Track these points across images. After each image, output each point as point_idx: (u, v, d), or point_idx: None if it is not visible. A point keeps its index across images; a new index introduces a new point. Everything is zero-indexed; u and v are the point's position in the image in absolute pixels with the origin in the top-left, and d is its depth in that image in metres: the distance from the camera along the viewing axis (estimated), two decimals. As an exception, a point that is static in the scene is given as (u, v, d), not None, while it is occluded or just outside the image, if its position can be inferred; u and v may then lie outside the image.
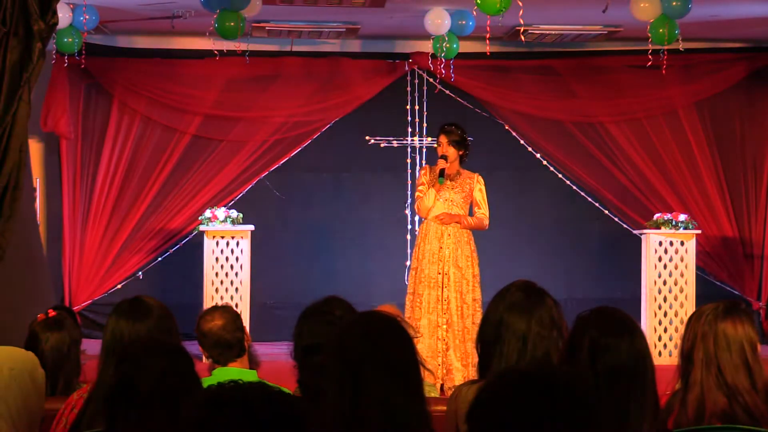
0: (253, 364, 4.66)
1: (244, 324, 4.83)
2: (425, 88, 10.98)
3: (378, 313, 2.85)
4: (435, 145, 8.02)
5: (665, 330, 9.65)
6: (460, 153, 7.92)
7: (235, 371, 4.42)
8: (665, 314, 9.66)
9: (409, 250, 10.54)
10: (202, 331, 4.57)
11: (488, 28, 8.49)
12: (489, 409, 1.84)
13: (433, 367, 7.59)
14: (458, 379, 7.54)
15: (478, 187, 7.96)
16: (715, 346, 3.25)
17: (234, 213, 9.52)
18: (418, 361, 2.73)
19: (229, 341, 4.52)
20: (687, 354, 3.30)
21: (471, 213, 7.96)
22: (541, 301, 3.32)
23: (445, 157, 7.86)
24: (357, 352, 2.64)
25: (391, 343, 2.69)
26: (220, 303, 8.35)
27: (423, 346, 7.57)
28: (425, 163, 10.48)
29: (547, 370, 1.87)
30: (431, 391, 5.11)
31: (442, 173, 7.85)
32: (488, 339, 3.31)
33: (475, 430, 1.88)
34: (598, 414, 1.81)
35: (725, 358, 3.23)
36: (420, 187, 7.98)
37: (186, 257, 10.43)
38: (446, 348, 7.71)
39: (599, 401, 1.83)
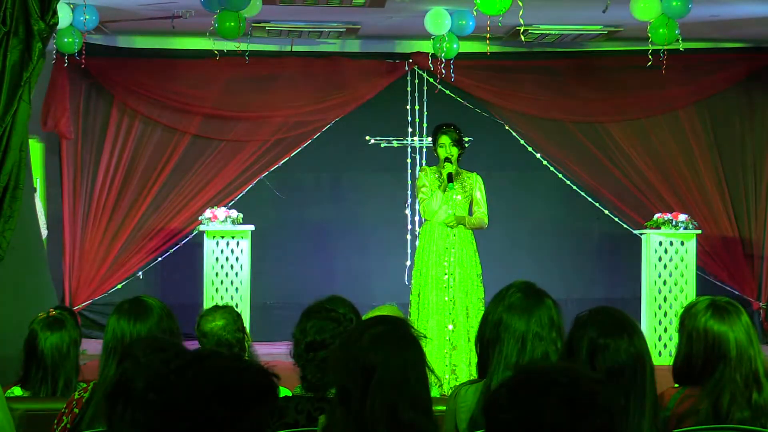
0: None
1: (244, 324, 4.83)
2: (425, 88, 10.97)
3: (385, 317, 2.78)
4: (439, 147, 7.80)
5: (665, 330, 9.64)
6: (460, 152, 7.87)
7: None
8: (665, 314, 9.65)
9: (409, 250, 10.54)
10: (203, 331, 4.57)
11: (488, 28, 8.49)
12: (508, 406, 1.81)
13: (441, 369, 7.57)
14: (463, 379, 7.52)
15: (477, 186, 7.91)
16: (736, 343, 3.32)
17: (234, 213, 9.51)
18: (426, 372, 2.65)
19: (229, 341, 4.52)
20: (707, 353, 3.34)
21: (470, 212, 7.92)
22: (540, 301, 3.32)
23: (449, 159, 7.74)
24: (366, 360, 2.55)
25: (401, 351, 2.60)
26: (220, 303, 8.34)
27: (431, 348, 7.56)
28: (425, 164, 10.48)
29: (571, 372, 1.84)
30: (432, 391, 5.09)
31: (450, 177, 7.70)
32: (487, 339, 3.31)
33: (492, 425, 1.85)
34: (615, 422, 1.79)
35: (751, 352, 3.30)
36: (423, 189, 7.82)
37: (186, 257, 10.43)
38: (453, 348, 7.70)
39: (617, 407, 1.81)
